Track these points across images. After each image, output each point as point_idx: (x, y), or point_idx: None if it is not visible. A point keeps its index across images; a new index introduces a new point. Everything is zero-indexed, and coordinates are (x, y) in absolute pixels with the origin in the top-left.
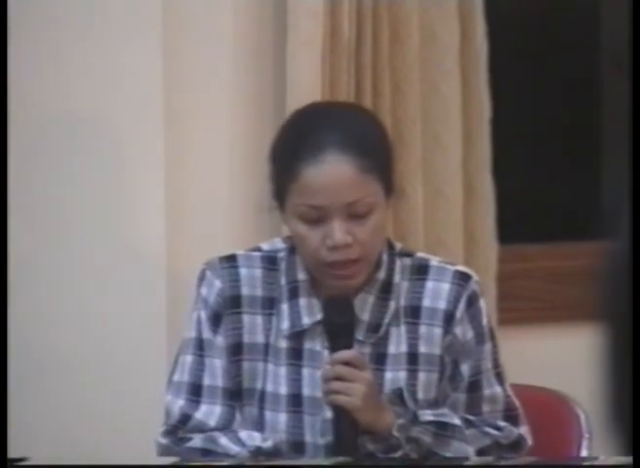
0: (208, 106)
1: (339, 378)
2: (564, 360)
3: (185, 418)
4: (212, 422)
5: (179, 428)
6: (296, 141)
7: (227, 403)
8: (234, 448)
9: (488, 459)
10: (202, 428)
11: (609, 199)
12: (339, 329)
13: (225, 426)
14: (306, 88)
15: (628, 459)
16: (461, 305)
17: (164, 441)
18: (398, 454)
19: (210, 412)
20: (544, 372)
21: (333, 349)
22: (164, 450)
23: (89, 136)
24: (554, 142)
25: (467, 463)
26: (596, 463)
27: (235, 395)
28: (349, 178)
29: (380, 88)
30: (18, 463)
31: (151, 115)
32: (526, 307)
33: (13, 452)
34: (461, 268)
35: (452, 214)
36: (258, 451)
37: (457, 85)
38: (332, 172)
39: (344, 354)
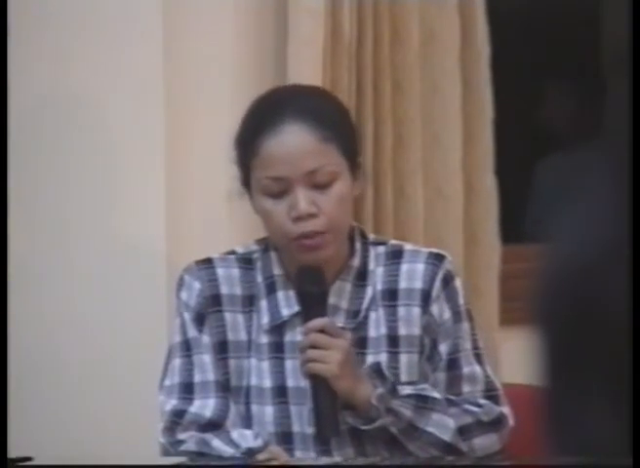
0: (208, 106)
1: (314, 347)
2: None
3: (180, 413)
4: (207, 413)
5: (176, 423)
6: (255, 120)
7: (220, 395)
8: (227, 451)
9: (488, 460)
10: (198, 421)
11: (542, 201)
12: (311, 297)
13: (221, 417)
14: None
15: (628, 459)
16: (437, 284)
17: (162, 439)
18: (377, 424)
19: (204, 406)
20: None
21: (306, 318)
22: (163, 450)
23: (89, 136)
24: (554, 142)
25: (468, 463)
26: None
27: (227, 387)
28: (308, 147)
29: (381, 87)
30: (20, 463)
31: (152, 115)
32: None
33: (13, 453)
34: (435, 250)
35: (452, 213)
36: (249, 452)
37: (457, 85)
38: (291, 141)
39: (318, 322)
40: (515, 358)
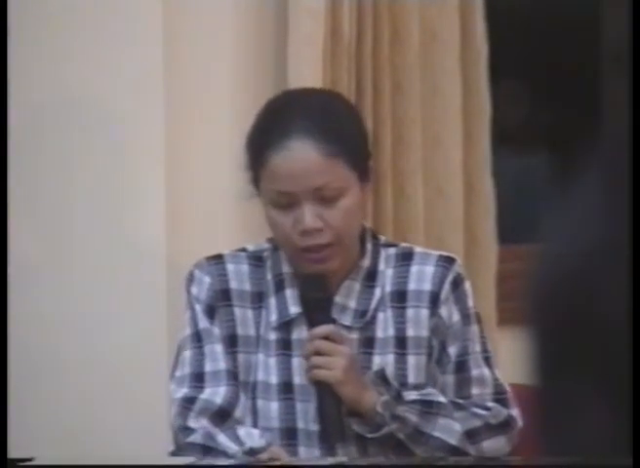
0: (209, 106)
1: (318, 353)
2: None
3: (191, 400)
4: (218, 400)
5: (187, 409)
6: (264, 129)
7: (231, 383)
8: (232, 447)
9: (489, 459)
10: (209, 408)
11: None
12: (316, 304)
13: (232, 404)
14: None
15: (628, 459)
16: (446, 286)
17: (174, 423)
18: (383, 432)
19: (214, 393)
20: None
21: (311, 325)
22: (174, 435)
23: (89, 136)
24: (555, 142)
25: (470, 463)
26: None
27: (237, 377)
28: (315, 164)
29: (381, 87)
30: (21, 464)
31: (152, 115)
32: None
33: (13, 453)
34: (445, 253)
35: (452, 213)
36: (251, 452)
37: (457, 85)
38: (297, 157)
39: (322, 329)
40: (513, 358)
